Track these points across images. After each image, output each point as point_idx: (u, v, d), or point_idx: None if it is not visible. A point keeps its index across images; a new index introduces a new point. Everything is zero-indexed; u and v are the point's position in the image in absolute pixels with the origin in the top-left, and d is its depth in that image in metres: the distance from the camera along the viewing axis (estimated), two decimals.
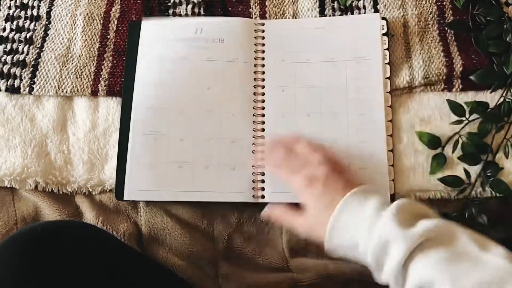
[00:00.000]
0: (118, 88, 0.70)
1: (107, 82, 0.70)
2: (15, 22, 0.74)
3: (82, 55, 0.72)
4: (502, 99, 0.67)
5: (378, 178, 0.64)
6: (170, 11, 0.74)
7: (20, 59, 0.71)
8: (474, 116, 0.66)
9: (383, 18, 0.70)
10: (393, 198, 0.64)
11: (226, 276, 0.65)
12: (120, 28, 0.73)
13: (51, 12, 0.74)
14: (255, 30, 0.71)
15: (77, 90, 0.70)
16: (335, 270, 0.64)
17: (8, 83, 0.70)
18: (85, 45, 0.72)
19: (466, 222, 0.54)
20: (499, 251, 0.44)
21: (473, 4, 0.70)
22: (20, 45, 0.72)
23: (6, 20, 0.74)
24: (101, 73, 0.71)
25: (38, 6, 0.75)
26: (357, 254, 0.51)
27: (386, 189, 0.63)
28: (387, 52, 0.68)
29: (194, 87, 0.68)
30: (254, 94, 0.68)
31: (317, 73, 0.68)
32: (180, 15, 0.74)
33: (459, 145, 0.65)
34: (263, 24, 0.71)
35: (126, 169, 0.65)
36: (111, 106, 0.70)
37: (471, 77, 0.68)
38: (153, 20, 0.72)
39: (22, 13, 0.74)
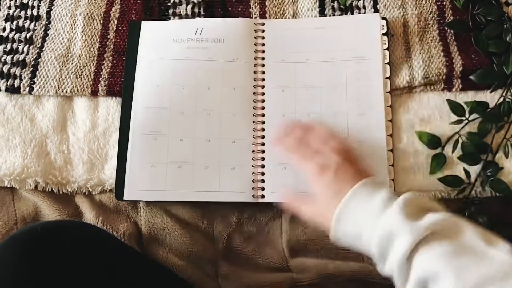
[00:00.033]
0: (118, 88, 0.70)
1: (107, 82, 0.70)
2: (15, 22, 0.74)
3: (82, 55, 0.72)
4: (502, 99, 0.67)
5: (378, 178, 0.64)
6: (170, 11, 0.74)
7: (20, 59, 0.71)
8: (474, 116, 0.66)
9: (383, 18, 0.70)
10: None
11: (226, 276, 0.65)
12: (120, 28, 0.73)
13: (51, 12, 0.74)
14: (255, 30, 0.71)
15: (77, 90, 0.70)
16: (335, 270, 0.64)
17: (8, 83, 0.70)
18: (85, 45, 0.72)
19: None
20: (505, 247, 0.44)
21: (473, 4, 0.70)
22: (20, 45, 0.72)
23: (6, 20, 0.74)
24: (101, 73, 0.71)
25: (38, 6, 0.75)
26: (362, 243, 0.51)
27: None
28: (387, 52, 0.68)
29: (194, 87, 0.68)
30: (254, 94, 0.68)
31: (317, 73, 0.68)
32: (180, 15, 0.74)
33: (459, 145, 0.65)
34: (263, 24, 0.71)
35: (126, 169, 0.65)
36: (111, 106, 0.70)
37: (471, 77, 0.68)
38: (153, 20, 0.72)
39: (22, 13, 0.75)
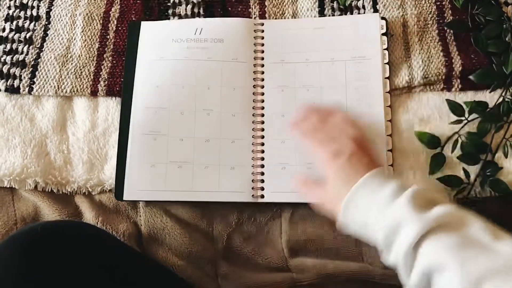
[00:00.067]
0: (117, 88, 0.70)
1: (106, 82, 0.70)
2: (14, 22, 0.74)
3: (81, 55, 0.72)
4: (501, 99, 0.67)
5: None
6: (170, 11, 0.74)
7: (19, 59, 0.71)
8: (474, 115, 0.66)
9: (383, 18, 0.70)
10: None
11: (226, 276, 0.65)
12: (119, 28, 0.73)
13: (51, 12, 0.74)
14: (254, 30, 0.71)
15: (77, 90, 0.70)
16: (334, 270, 0.64)
17: (8, 83, 0.70)
18: (85, 45, 0.72)
19: None
20: (511, 241, 0.44)
21: (472, 4, 0.70)
22: (19, 45, 0.72)
23: (6, 20, 0.74)
24: (101, 73, 0.71)
25: (38, 6, 0.75)
26: (369, 232, 0.51)
27: None
28: (386, 52, 0.68)
29: (194, 87, 0.68)
30: (253, 94, 0.68)
31: (316, 73, 0.68)
32: (179, 15, 0.74)
33: (459, 145, 0.65)
34: (262, 24, 0.71)
35: (126, 169, 0.65)
36: (110, 106, 0.70)
37: (471, 77, 0.68)
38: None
39: (22, 13, 0.75)
